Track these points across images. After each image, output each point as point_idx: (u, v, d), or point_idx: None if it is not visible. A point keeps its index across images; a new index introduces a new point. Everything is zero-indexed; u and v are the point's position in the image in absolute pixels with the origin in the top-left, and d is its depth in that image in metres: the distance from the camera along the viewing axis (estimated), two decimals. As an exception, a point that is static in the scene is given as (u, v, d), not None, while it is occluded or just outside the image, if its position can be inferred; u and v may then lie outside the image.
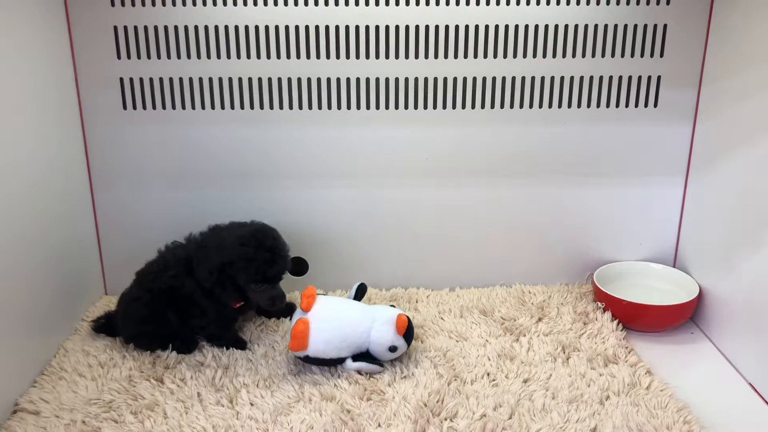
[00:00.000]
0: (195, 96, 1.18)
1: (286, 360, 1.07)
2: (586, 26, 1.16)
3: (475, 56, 1.17)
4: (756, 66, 1.03)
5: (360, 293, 1.11)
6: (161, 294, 1.07)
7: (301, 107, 1.20)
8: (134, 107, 1.19)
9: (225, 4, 1.13)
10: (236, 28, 1.14)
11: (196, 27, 1.14)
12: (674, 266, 1.31)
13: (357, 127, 1.21)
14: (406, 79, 1.18)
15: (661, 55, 1.18)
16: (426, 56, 1.17)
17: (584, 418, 0.92)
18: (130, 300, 1.09)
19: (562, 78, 1.19)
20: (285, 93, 1.19)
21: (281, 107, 1.20)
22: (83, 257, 1.22)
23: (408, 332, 1.03)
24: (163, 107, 1.19)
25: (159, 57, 1.16)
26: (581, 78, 1.19)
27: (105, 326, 1.14)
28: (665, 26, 1.17)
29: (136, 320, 1.08)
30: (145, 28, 1.14)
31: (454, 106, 1.21)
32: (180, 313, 1.08)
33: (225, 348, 1.10)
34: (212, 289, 1.04)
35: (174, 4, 1.13)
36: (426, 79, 1.19)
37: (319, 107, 1.20)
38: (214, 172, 1.23)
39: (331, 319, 1.02)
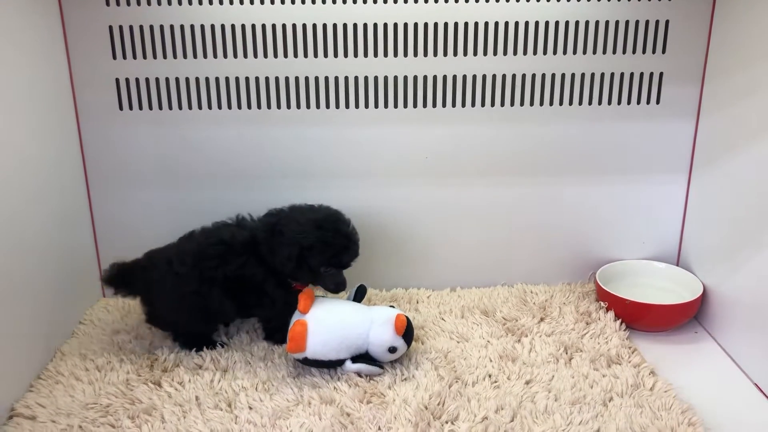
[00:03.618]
0: (192, 96, 1.17)
1: (285, 363, 1.06)
2: (587, 22, 1.15)
3: (475, 54, 1.16)
4: (760, 61, 1.02)
5: (360, 295, 1.10)
6: (225, 282, 1.04)
7: (299, 107, 1.19)
8: (130, 108, 1.18)
9: (221, 3, 1.12)
10: (233, 27, 1.13)
11: (192, 26, 1.13)
12: (677, 265, 1.29)
13: (356, 127, 1.20)
14: (405, 78, 1.17)
15: (663, 52, 1.17)
16: (425, 54, 1.16)
17: (587, 420, 0.91)
18: (178, 281, 1.04)
19: (563, 75, 1.18)
20: (282, 92, 1.18)
21: (278, 107, 1.19)
22: (80, 259, 1.21)
23: (407, 333, 1.02)
24: (160, 107, 1.18)
25: (155, 57, 1.14)
26: (582, 75, 1.18)
27: (117, 279, 1.08)
28: (667, 22, 1.15)
29: (177, 300, 1.05)
30: (141, 27, 1.13)
31: (454, 105, 1.19)
32: (243, 302, 1.07)
33: (279, 344, 1.10)
34: (290, 273, 1.04)
35: (170, 3, 1.11)
36: (425, 77, 1.17)
37: (317, 106, 1.19)
38: (211, 173, 1.22)
39: (329, 321, 1.01)
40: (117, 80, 1.16)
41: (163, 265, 1.06)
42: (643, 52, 1.17)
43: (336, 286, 1.07)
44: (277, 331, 1.10)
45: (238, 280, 1.05)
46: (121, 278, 1.08)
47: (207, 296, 1.05)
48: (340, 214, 1.08)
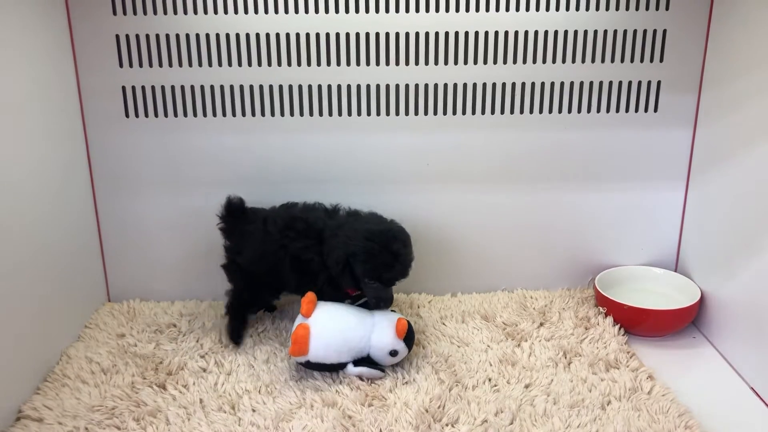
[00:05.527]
0: (197, 104, 1.19)
1: (288, 366, 1.07)
2: (585, 32, 1.16)
3: (475, 62, 1.18)
4: (756, 70, 1.03)
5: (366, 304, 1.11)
6: (294, 255, 1.09)
7: (302, 114, 1.20)
8: (136, 115, 1.19)
9: (226, 12, 1.13)
10: (237, 36, 1.15)
11: (197, 35, 1.15)
12: (676, 271, 1.30)
13: (358, 134, 1.22)
14: (407, 86, 1.19)
15: (661, 60, 1.19)
16: (426, 62, 1.18)
17: (585, 424, 0.92)
18: (265, 238, 1.11)
19: (562, 83, 1.20)
20: (286, 100, 1.19)
21: (282, 114, 1.20)
22: (86, 264, 1.23)
23: (408, 336, 1.04)
24: (165, 115, 1.19)
25: (161, 65, 1.16)
26: (581, 83, 1.20)
27: (234, 213, 1.15)
28: (665, 31, 1.17)
29: (259, 255, 1.11)
30: (147, 36, 1.15)
31: (454, 112, 1.21)
32: (301, 281, 1.11)
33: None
34: (336, 276, 1.07)
35: (175, 12, 1.13)
36: (426, 86, 1.19)
37: (320, 114, 1.20)
38: (216, 179, 1.24)
39: (331, 324, 1.03)
40: (123, 88, 1.18)
41: (259, 221, 1.13)
42: (641, 61, 1.18)
43: (376, 301, 1.06)
44: None
45: (300, 260, 1.09)
46: (236, 215, 1.15)
47: (281, 261, 1.10)
48: (401, 233, 1.07)
